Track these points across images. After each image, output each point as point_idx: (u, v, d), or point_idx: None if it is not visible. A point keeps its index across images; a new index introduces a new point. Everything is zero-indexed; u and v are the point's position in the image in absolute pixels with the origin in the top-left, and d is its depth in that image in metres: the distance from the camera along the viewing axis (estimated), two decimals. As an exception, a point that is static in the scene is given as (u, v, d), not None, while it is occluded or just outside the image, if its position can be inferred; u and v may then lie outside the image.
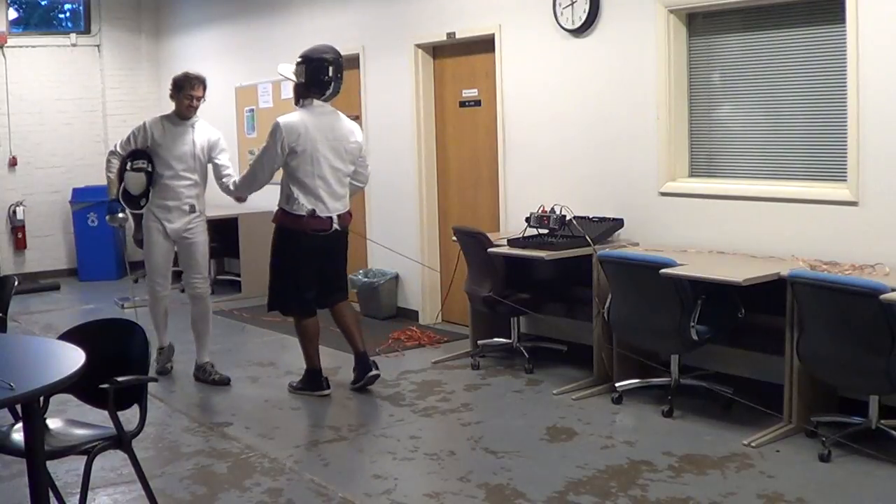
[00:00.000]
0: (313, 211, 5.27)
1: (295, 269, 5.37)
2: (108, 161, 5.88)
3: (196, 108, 5.86)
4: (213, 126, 6.15)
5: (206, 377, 5.87)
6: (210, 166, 5.94)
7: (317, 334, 5.57)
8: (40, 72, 10.18)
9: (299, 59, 5.37)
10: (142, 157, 5.78)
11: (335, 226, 5.36)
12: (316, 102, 5.34)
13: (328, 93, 5.35)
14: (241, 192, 5.68)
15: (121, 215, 5.87)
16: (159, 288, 5.92)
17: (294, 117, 5.29)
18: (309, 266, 5.38)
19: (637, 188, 5.77)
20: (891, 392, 4.18)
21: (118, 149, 5.84)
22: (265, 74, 8.99)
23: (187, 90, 5.79)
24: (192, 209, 5.84)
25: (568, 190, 6.05)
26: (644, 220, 5.73)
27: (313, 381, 5.55)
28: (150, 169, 5.78)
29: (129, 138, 5.84)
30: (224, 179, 5.85)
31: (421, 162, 7.29)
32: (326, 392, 5.52)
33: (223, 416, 5.17)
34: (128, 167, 5.76)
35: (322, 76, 5.29)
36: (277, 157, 5.26)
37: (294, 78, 5.38)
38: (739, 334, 5.05)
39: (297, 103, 5.44)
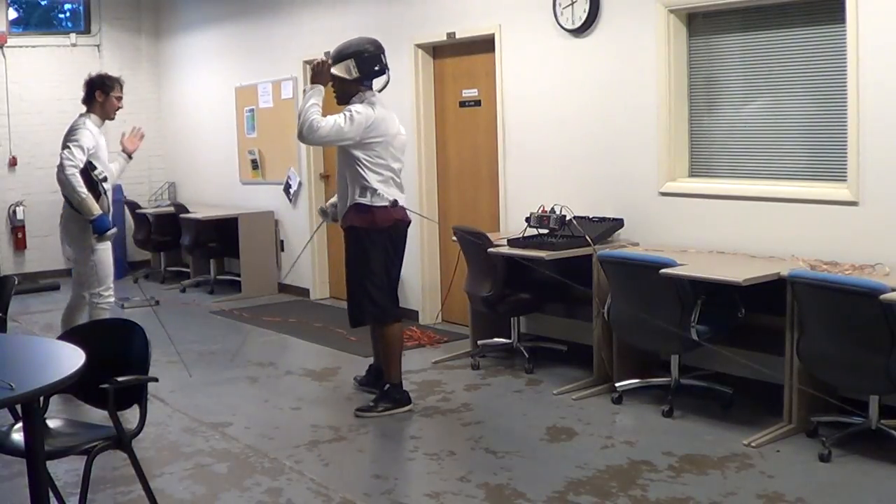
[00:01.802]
0: (395, 201, 5.05)
1: (390, 267, 5.10)
2: (74, 177, 5.36)
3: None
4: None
5: None
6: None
7: (403, 342, 5.30)
8: (40, 72, 10.17)
9: (345, 55, 5.05)
10: (93, 166, 5.49)
11: (408, 216, 5.21)
12: (370, 94, 5.10)
13: (384, 83, 5.15)
14: (307, 130, 4.95)
15: (112, 231, 5.55)
16: (114, 297, 5.73)
17: (367, 109, 4.98)
18: (400, 261, 5.17)
19: (637, 188, 5.77)
20: (891, 392, 4.18)
21: (78, 162, 5.39)
22: (265, 74, 9.00)
23: (117, 91, 5.68)
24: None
25: (568, 190, 6.05)
26: (644, 220, 5.73)
27: (400, 396, 5.19)
28: (104, 176, 5.56)
29: (81, 148, 5.42)
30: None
31: (421, 162, 7.29)
32: (412, 406, 5.21)
33: (223, 416, 5.17)
34: (95, 177, 5.48)
35: (375, 66, 5.08)
36: (352, 138, 4.93)
37: (345, 75, 5.04)
38: (739, 334, 5.05)
39: (344, 102, 5.09)
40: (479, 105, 6.97)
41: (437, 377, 5.87)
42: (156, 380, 3.58)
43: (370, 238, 5.05)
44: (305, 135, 4.95)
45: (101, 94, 5.63)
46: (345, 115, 4.96)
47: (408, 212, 5.19)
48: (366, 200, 5.02)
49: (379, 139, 5.01)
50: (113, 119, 5.76)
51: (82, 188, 5.40)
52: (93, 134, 5.54)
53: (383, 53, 5.14)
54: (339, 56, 5.09)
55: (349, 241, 5.15)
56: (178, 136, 10.44)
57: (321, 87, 5.04)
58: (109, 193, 5.65)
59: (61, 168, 5.41)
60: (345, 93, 5.12)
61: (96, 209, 5.43)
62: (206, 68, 9.98)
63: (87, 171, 5.46)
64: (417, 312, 7.46)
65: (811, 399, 4.52)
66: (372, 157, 5.01)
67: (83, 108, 5.70)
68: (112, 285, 5.71)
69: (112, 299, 5.71)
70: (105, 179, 5.57)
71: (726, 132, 5.52)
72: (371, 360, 5.57)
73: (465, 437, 4.77)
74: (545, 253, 5.42)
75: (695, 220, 5.50)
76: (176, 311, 8.06)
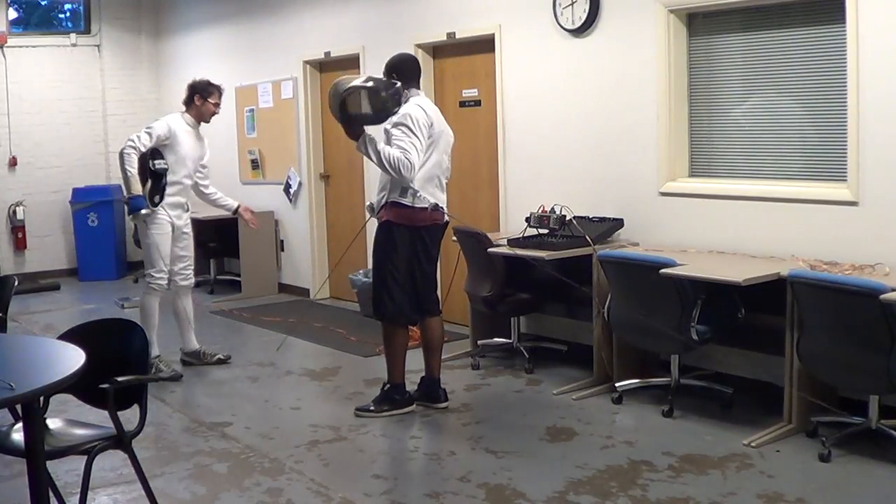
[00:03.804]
0: (436, 204, 4.91)
1: (415, 267, 4.97)
2: (128, 156, 5.77)
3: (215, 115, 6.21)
4: (212, 126, 6.30)
5: (210, 359, 6.27)
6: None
7: (408, 344, 5.19)
8: (40, 72, 10.18)
9: (387, 69, 5.00)
10: (160, 156, 5.90)
11: (446, 217, 5.06)
12: (413, 91, 4.97)
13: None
14: (406, 171, 4.75)
15: (144, 212, 5.85)
16: (165, 278, 6.03)
17: (420, 103, 4.89)
18: (429, 263, 5.03)
19: (637, 188, 5.77)
20: (891, 392, 4.18)
21: (139, 144, 5.79)
22: (265, 74, 9.01)
23: (215, 97, 6.11)
24: (187, 207, 6.20)
25: (568, 190, 6.05)
26: (644, 220, 5.73)
27: (401, 397, 5.13)
28: (167, 167, 5.93)
29: (149, 135, 5.84)
30: (212, 187, 6.38)
31: (421, 162, 7.28)
32: (413, 408, 5.17)
33: (223, 416, 5.17)
34: (151, 165, 5.86)
35: (412, 68, 5.05)
36: (425, 137, 4.79)
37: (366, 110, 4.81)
38: (739, 334, 5.05)
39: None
40: (479, 105, 6.97)
41: (437, 377, 5.87)
42: (156, 379, 3.58)
43: (401, 233, 4.92)
44: (406, 175, 4.74)
45: (199, 98, 6.08)
46: (407, 128, 4.76)
47: (446, 214, 5.04)
48: (406, 201, 4.87)
49: (432, 132, 4.87)
50: (208, 122, 6.19)
51: (130, 167, 5.78)
52: (171, 127, 5.93)
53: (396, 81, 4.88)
54: (387, 68, 5.00)
55: (380, 233, 5.03)
56: (178, 136, 10.45)
57: (365, 134, 4.79)
58: (180, 191, 6.03)
59: (124, 145, 5.84)
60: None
61: (135, 189, 5.80)
62: (206, 68, 9.91)
63: (150, 157, 5.85)
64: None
65: (811, 399, 4.52)
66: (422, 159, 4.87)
67: (182, 108, 6.14)
68: (165, 272, 6.01)
69: (162, 282, 6.02)
70: (165, 171, 5.90)
71: (726, 132, 5.52)
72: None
73: (465, 437, 4.77)
74: (545, 253, 5.42)
75: (695, 220, 5.50)
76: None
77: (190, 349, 6.29)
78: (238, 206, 6.44)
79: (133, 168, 5.78)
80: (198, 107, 6.08)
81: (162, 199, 5.92)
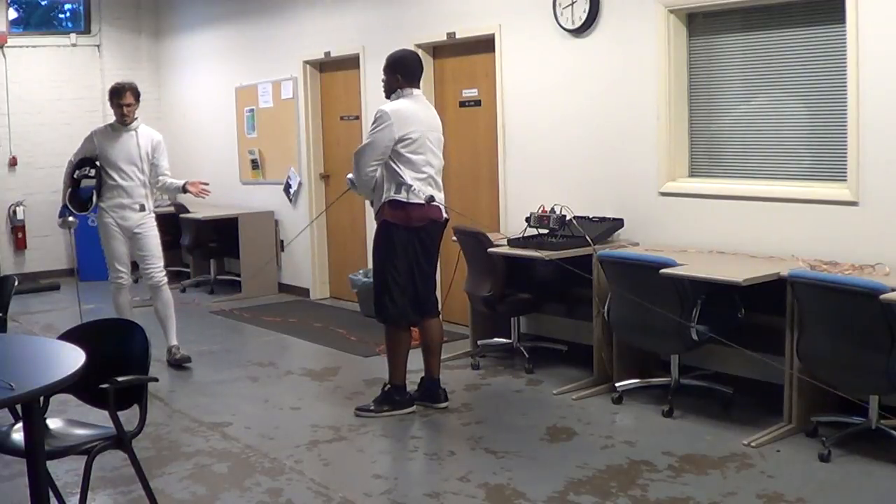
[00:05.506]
0: (431, 197, 4.88)
1: (415, 268, 4.96)
2: (65, 171, 6.30)
3: (128, 114, 6.19)
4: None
5: (171, 358, 6.30)
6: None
7: (410, 345, 5.18)
8: (40, 72, 10.17)
9: (386, 65, 5.11)
10: (87, 164, 6.20)
11: (445, 215, 5.04)
12: (415, 91, 5.04)
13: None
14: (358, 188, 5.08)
15: (70, 219, 6.30)
16: (122, 276, 6.26)
17: (400, 104, 4.95)
18: (429, 263, 5.02)
19: (637, 188, 5.77)
20: (891, 392, 4.18)
21: (72, 157, 6.27)
22: (265, 74, 9.00)
23: (117, 99, 6.17)
24: (143, 208, 6.28)
25: (568, 190, 6.05)
26: (644, 220, 5.73)
27: (401, 398, 5.12)
28: (91, 175, 6.19)
29: (78, 149, 6.26)
30: (161, 177, 6.35)
31: (421, 162, 7.27)
32: (414, 408, 5.16)
33: (223, 416, 5.17)
34: (75, 175, 6.20)
35: (415, 67, 5.10)
36: (386, 146, 4.85)
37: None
38: (739, 334, 5.05)
39: (388, 98, 5.08)
40: (479, 105, 6.97)
41: (437, 377, 5.86)
42: (156, 380, 3.59)
43: (399, 235, 4.93)
44: (360, 159, 4.93)
45: (110, 103, 6.25)
46: (369, 139, 4.94)
47: (443, 209, 5.03)
48: (401, 197, 4.88)
49: (411, 139, 4.88)
50: (126, 124, 6.21)
51: (63, 178, 6.30)
52: (94, 140, 6.22)
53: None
54: (386, 65, 5.15)
55: (379, 235, 5.03)
56: (178, 136, 10.42)
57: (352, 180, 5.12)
58: (120, 193, 6.18)
59: None
60: (390, 89, 5.09)
61: (62, 200, 6.32)
62: (206, 68, 9.98)
63: (76, 167, 6.22)
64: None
65: (811, 399, 4.52)
66: (405, 152, 4.88)
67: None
68: (121, 269, 6.26)
69: (120, 280, 6.27)
70: (85, 177, 6.21)
71: (726, 132, 5.52)
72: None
73: (465, 437, 4.77)
74: (545, 253, 5.42)
75: (695, 220, 5.50)
76: (176, 311, 8.04)
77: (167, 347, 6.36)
78: (185, 183, 6.40)
79: (63, 180, 6.29)
80: (113, 112, 6.25)
81: (93, 204, 6.21)
